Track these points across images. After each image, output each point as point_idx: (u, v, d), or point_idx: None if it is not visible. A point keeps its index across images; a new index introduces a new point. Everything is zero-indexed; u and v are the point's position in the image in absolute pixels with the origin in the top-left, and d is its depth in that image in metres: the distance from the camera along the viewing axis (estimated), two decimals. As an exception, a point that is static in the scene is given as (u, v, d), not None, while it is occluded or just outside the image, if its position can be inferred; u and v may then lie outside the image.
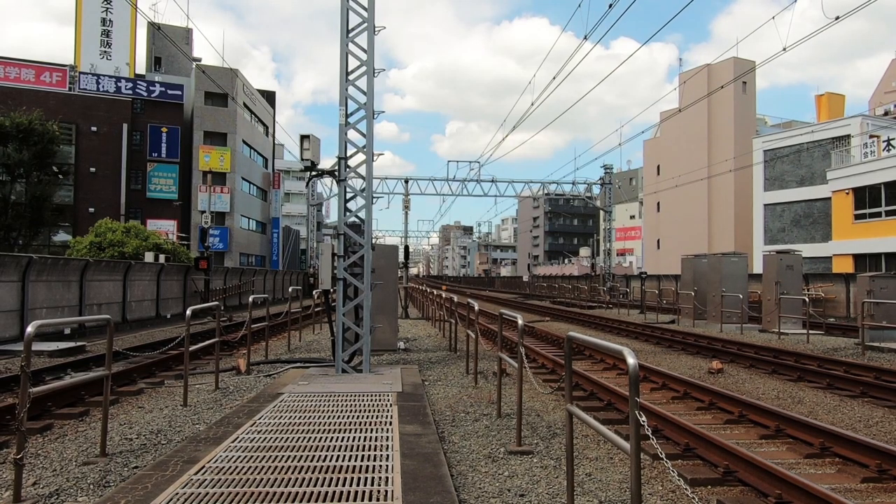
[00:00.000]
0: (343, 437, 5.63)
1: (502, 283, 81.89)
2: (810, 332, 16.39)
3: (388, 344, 12.50)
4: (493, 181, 38.91)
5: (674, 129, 51.95)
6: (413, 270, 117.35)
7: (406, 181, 38.31)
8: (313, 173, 10.53)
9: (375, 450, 5.25)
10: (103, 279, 18.54)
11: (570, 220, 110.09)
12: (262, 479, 4.45)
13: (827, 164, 38.39)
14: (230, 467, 4.72)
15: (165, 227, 36.82)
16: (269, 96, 55.26)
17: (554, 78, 17.13)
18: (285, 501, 4.04)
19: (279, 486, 4.30)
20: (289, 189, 70.18)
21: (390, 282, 12.70)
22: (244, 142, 44.87)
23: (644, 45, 23.36)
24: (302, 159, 10.38)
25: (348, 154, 9.66)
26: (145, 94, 38.85)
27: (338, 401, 7.32)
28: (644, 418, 2.96)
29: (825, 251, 36.75)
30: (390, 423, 6.19)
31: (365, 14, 9.46)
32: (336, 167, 9.70)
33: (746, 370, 11.18)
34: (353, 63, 9.58)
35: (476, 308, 9.91)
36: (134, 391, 8.20)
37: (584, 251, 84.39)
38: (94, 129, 36.98)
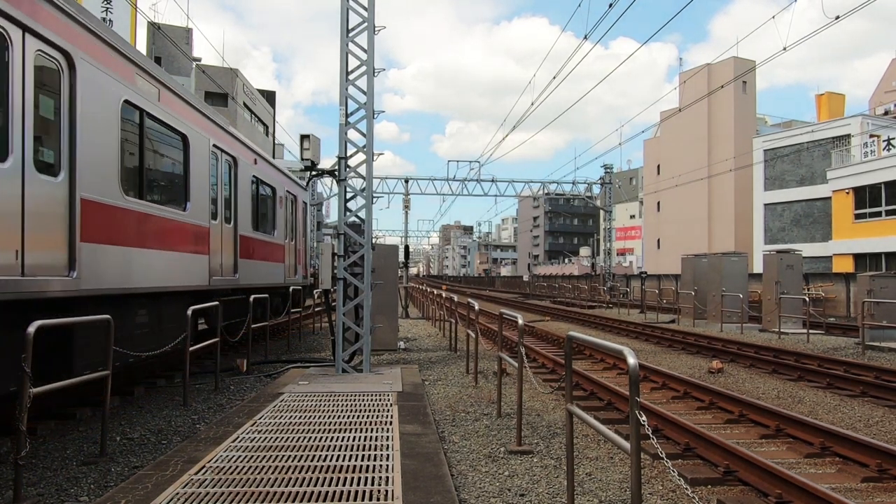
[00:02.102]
0: (343, 437, 5.63)
1: (502, 282, 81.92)
2: (810, 331, 16.39)
3: (388, 344, 12.50)
4: (493, 181, 38.90)
5: (674, 129, 51.96)
6: (413, 270, 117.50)
7: (406, 181, 38.30)
8: (313, 173, 10.52)
9: (376, 449, 5.25)
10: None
11: (570, 220, 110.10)
12: (262, 479, 4.45)
13: (827, 163, 38.39)
14: (230, 467, 4.72)
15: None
16: (270, 96, 55.21)
17: (554, 77, 17.14)
18: (285, 501, 4.04)
19: (279, 486, 4.31)
20: (289, 189, 70.04)
21: (390, 282, 12.70)
22: (244, 141, 44.78)
23: (643, 45, 23.38)
24: (302, 159, 10.37)
25: (348, 154, 9.66)
26: (145, 93, 38.68)
27: (338, 400, 7.32)
28: (644, 418, 2.96)
29: (825, 251, 36.76)
30: (390, 423, 6.19)
31: (365, 14, 9.46)
32: (336, 167, 9.69)
33: (746, 370, 11.18)
34: (353, 63, 9.58)
35: (476, 308, 9.92)
36: (134, 391, 8.20)
37: (585, 251, 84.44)
38: (94, 128, 36.87)
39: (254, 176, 11.78)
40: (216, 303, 8.69)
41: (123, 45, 6.83)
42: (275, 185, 13.43)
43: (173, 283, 8.05)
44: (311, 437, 5.63)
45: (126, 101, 6.90)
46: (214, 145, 9.65)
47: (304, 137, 10.32)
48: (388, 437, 5.67)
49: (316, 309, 18.48)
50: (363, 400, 7.37)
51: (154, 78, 7.65)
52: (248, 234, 11.31)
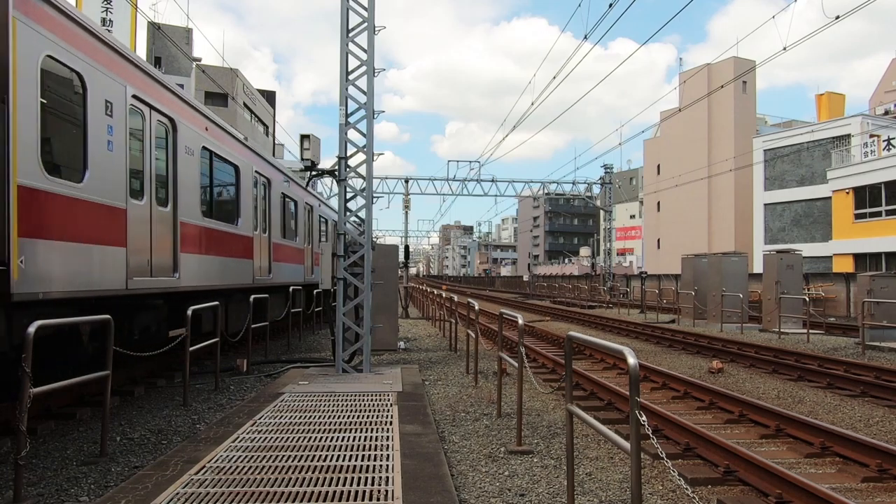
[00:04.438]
0: (343, 437, 5.63)
1: (503, 282, 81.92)
2: (810, 331, 16.39)
3: (388, 344, 12.49)
4: (493, 181, 38.88)
5: (674, 129, 51.96)
6: (413, 270, 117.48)
7: (406, 181, 38.28)
8: (313, 173, 10.53)
9: (376, 449, 5.25)
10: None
11: (570, 220, 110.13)
12: (262, 479, 4.45)
13: (827, 163, 38.39)
14: (231, 467, 4.72)
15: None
16: (270, 96, 55.18)
17: (554, 77, 17.14)
18: (286, 501, 4.04)
19: (280, 486, 4.31)
20: (289, 189, 69.90)
21: (390, 282, 12.69)
22: (244, 141, 44.69)
23: (643, 45, 23.42)
24: (302, 159, 10.39)
25: (348, 154, 9.66)
26: (145, 93, 38.58)
27: (338, 400, 7.32)
28: (644, 418, 2.96)
29: (825, 251, 36.75)
30: (390, 423, 6.20)
31: (365, 14, 9.46)
32: (336, 167, 9.70)
33: (747, 370, 11.18)
34: (353, 63, 9.59)
35: (476, 308, 9.91)
36: (134, 391, 8.20)
37: (585, 251, 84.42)
38: (94, 129, 36.75)
39: (135, 98, 7.13)
40: (216, 303, 8.68)
41: None
42: (182, 121, 8.54)
43: None
44: (311, 437, 5.63)
45: None
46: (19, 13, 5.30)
47: (304, 137, 10.33)
48: (388, 437, 5.67)
49: (316, 309, 18.45)
50: (363, 400, 7.37)
51: None
52: (105, 202, 6.55)
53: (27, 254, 5.30)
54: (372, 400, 7.38)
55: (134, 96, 7.12)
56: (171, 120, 8.22)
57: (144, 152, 7.48)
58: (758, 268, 27.14)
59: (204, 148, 9.36)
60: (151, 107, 7.64)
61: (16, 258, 5.17)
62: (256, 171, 12.06)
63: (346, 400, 7.36)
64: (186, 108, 8.75)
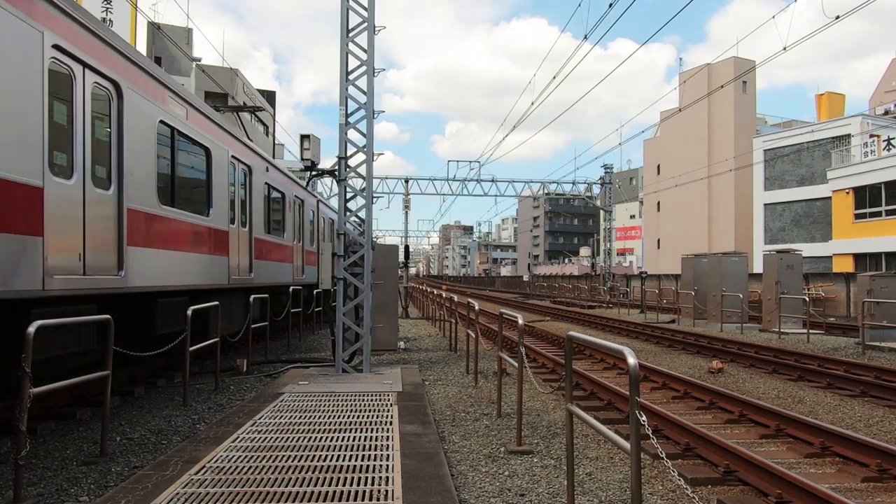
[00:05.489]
0: (343, 437, 5.63)
1: (503, 282, 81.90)
2: (810, 331, 16.38)
3: (389, 344, 12.49)
4: (493, 181, 38.89)
5: (674, 129, 51.95)
6: (413, 270, 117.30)
7: (406, 181, 38.28)
8: (313, 173, 10.54)
9: (376, 449, 5.25)
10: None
11: (570, 220, 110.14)
12: (262, 479, 4.45)
13: (827, 163, 38.39)
14: (230, 467, 4.72)
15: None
16: (270, 96, 55.12)
17: (554, 77, 17.15)
18: (286, 501, 4.04)
19: (279, 486, 4.31)
20: (289, 189, 69.87)
21: (390, 282, 12.69)
22: (244, 142, 44.67)
23: (643, 45, 23.44)
24: (302, 159, 10.40)
25: (348, 154, 9.66)
26: (145, 93, 38.56)
27: (338, 400, 7.32)
28: (644, 418, 2.96)
29: (825, 251, 36.75)
30: (390, 423, 6.20)
31: (365, 14, 9.46)
32: (336, 167, 9.70)
33: (747, 370, 11.18)
34: (353, 63, 9.59)
35: (476, 308, 9.92)
36: (134, 391, 8.20)
37: (585, 251, 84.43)
38: (93, 128, 36.73)
39: (58, 49, 5.70)
40: (216, 303, 8.67)
41: None
42: (130, 87, 6.96)
43: None
44: (311, 437, 5.63)
45: None
46: None
47: (304, 137, 10.34)
48: (388, 437, 5.67)
49: (316, 309, 18.44)
50: (363, 400, 7.37)
51: None
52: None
53: None
54: (372, 400, 7.38)
55: (56, 47, 5.59)
56: (116, 84, 6.64)
57: (74, 121, 5.97)
58: (758, 268, 27.13)
59: (163, 123, 7.84)
60: (85, 64, 6.09)
61: None
62: (234, 157, 10.57)
63: (346, 400, 7.36)
64: (137, 73, 7.13)
